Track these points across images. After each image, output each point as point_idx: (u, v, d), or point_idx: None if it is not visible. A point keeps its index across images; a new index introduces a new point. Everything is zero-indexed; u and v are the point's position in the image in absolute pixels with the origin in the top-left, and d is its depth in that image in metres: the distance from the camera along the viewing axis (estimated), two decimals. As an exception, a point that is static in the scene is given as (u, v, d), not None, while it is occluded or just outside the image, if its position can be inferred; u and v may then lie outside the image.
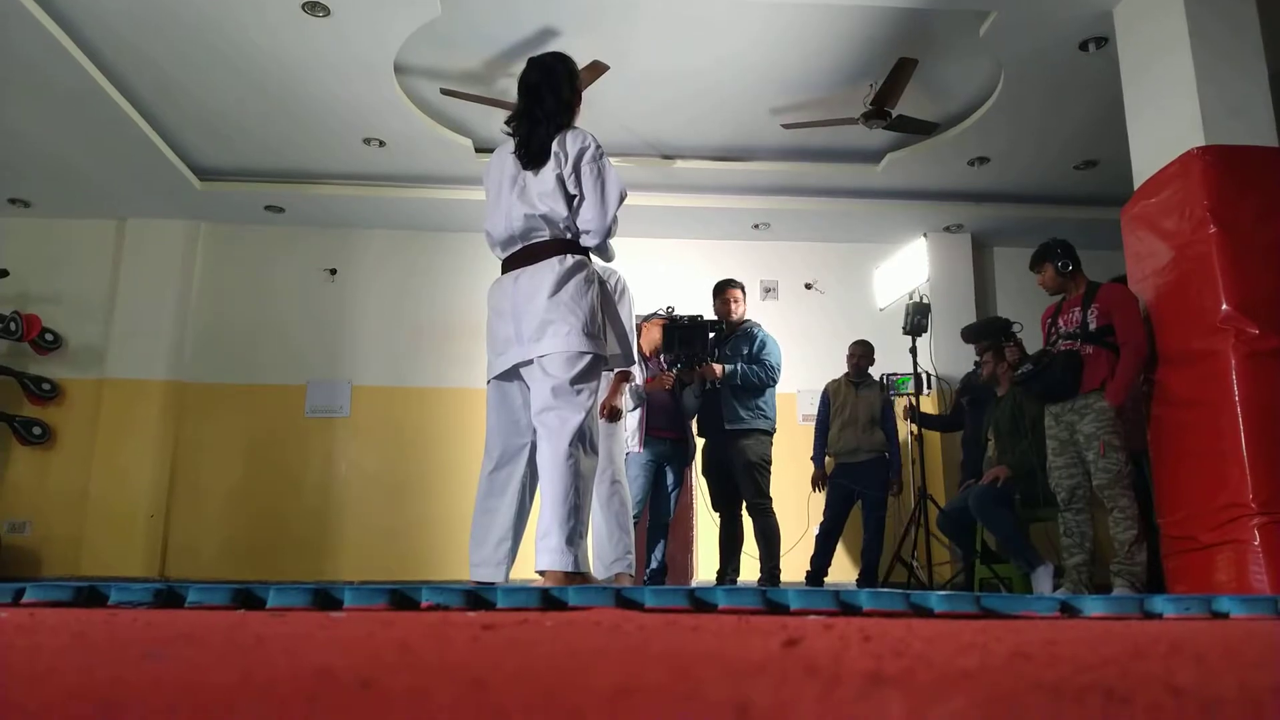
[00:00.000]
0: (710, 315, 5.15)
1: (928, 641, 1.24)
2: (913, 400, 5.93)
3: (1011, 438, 5.04)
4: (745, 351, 5.10)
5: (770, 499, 5.07)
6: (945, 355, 7.08)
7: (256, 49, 5.25)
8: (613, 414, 4.08)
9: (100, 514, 6.77)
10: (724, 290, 5.29)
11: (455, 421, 7.02)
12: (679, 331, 4.93)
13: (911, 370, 5.96)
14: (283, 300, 7.50)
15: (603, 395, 3.96)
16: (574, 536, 2.72)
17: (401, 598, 1.65)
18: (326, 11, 4.85)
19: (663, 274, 7.26)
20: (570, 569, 2.70)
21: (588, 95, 5.42)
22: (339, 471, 7.23)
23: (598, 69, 5.25)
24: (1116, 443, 4.06)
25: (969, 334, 5.94)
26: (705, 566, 6.83)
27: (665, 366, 5.01)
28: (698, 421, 5.17)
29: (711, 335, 4.99)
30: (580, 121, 3.04)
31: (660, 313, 5.08)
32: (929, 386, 6.23)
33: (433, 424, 7.24)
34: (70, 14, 4.87)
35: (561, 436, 2.73)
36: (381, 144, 6.44)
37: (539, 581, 2.70)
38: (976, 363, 5.85)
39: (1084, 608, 1.88)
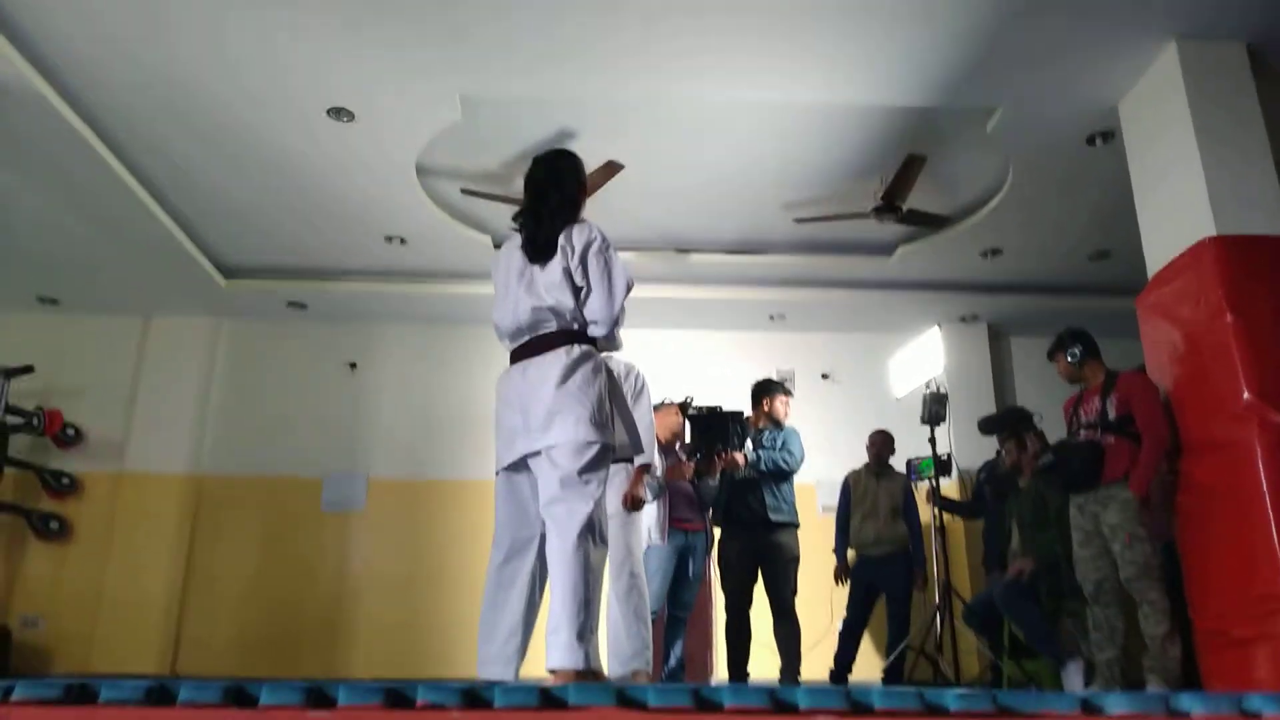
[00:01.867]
0: (734, 407, 5.13)
1: (937, 741, 1.19)
2: (934, 483, 5.85)
3: (1035, 529, 4.93)
4: (775, 443, 5.12)
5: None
6: (964, 445, 7.00)
7: (283, 152, 5.43)
8: (635, 504, 4.00)
9: (114, 608, 6.72)
10: (785, 395, 5.35)
11: (470, 514, 6.96)
12: (700, 421, 4.92)
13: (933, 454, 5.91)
14: (303, 394, 7.57)
15: (621, 485, 3.91)
16: (584, 632, 2.65)
17: (397, 696, 1.60)
18: (352, 116, 5.02)
19: (680, 365, 7.29)
20: (581, 666, 2.62)
21: (603, 193, 5.57)
22: (353, 566, 7.16)
23: (613, 168, 5.38)
24: (1142, 533, 3.96)
25: (986, 426, 5.89)
26: (726, 663, 6.64)
27: (684, 457, 4.98)
28: (727, 512, 5.09)
29: (734, 423, 4.97)
30: (596, 218, 3.08)
31: (668, 401, 5.06)
32: (952, 471, 6.15)
33: (448, 517, 7.19)
34: (97, 114, 5.03)
35: (570, 528, 2.69)
36: (403, 241, 6.59)
37: (550, 680, 2.62)
38: (999, 451, 5.77)
39: (1107, 706, 1.80)
